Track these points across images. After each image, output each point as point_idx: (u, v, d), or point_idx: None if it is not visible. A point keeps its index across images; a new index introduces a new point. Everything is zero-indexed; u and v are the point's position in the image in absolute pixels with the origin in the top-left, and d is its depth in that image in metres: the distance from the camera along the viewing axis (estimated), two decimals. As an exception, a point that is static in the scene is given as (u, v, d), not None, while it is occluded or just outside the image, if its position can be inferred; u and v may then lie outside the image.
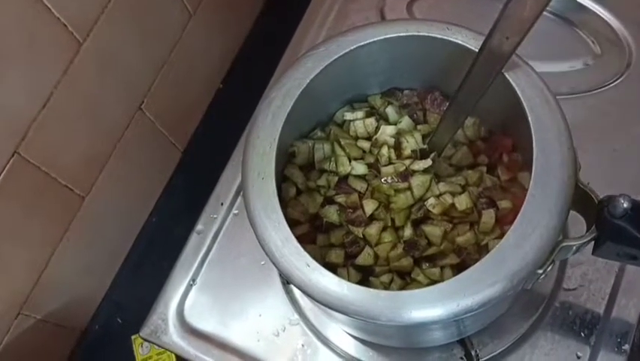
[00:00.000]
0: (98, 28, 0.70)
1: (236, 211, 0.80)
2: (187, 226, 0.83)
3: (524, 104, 0.54)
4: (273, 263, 0.54)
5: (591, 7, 0.83)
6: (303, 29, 0.89)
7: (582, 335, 0.69)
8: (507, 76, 0.55)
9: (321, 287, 0.52)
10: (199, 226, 0.80)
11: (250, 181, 0.56)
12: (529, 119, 0.53)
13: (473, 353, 0.68)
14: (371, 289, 0.52)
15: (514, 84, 0.55)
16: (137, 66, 0.80)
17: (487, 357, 0.69)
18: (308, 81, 0.59)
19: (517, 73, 0.56)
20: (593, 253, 0.56)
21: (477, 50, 0.54)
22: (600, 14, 0.82)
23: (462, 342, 0.69)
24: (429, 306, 0.50)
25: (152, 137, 0.87)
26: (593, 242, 0.54)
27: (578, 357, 0.68)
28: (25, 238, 0.72)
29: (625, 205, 0.50)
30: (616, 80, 0.79)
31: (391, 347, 0.71)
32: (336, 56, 0.60)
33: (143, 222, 0.91)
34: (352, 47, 0.60)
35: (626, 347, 0.68)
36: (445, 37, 0.58)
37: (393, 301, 0.51)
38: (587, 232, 0.54)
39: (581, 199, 0.54)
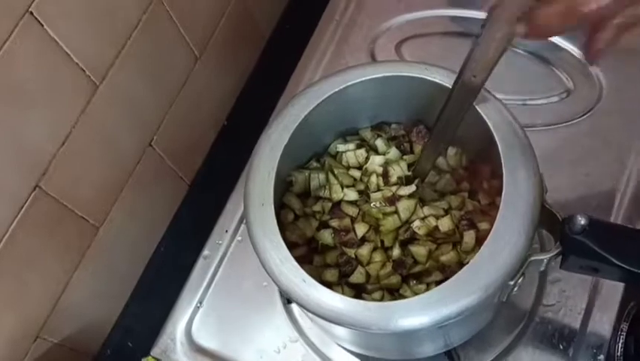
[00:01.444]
0: (112, 71, 0.73)
1: (239, 238, 0.84)
2: (192, 254, 0.86)
3: (495, 135, 0.60)
4: (274, 280, 0.58)
5: (565, 47, 0.87)
6: (301, 69, 0.93)
7: (561, 347, 0.73)
8: (479, 110, 0.61)
9: (316, 301, 0.57)
10: (205, 252, 0.83)
11: (252, 208, 0.61)
12: (499, 148, 0.59)
13: (460, 364, 0.72)
14: (361, 301, 0.56)
15: (485, 117, 0.61)
16: (148, 106, 0.83)
17: (472, 367, 0.72)
18: (303, 116, 0.64)
19: (489, 107, 0.62)
20: (560, 267, 0.60)
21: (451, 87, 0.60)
22: (573, 53, 0.87)
23: (449, 355, 0.73)
24: (414, 315, 0.55)
25: (161, 171, 0.90)
26: (560, 257, 0.59)
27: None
28: (44, 266, 0.74)
29: (582, 222, 0.55)
30: (588, 112, 0.83)
31: (384, 360, 0.75)
32: (328, 94, 0.65)
33: (152, 251, 0.93)
34: (342, 86, 0.66)
35: (601, 357, 0.71)
36: (424, 77, 0.64)
37: (381, 311, 0.55)
38: (553, 247, 0.59)
39: (548, 218, 0.59)
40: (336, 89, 0.65)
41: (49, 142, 0.69)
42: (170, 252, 0.94)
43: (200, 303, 0.82)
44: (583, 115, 0.84)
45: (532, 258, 0.58)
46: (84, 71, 0.69)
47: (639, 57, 0.83)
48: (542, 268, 0.60)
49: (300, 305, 0.58)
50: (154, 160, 0.87)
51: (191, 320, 0.81)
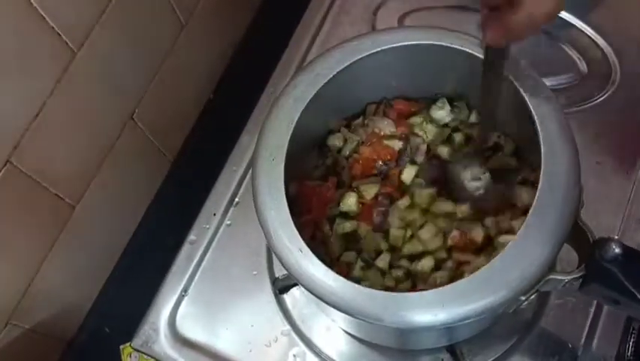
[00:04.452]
0: (91, 38, 0.70)
1: (228, 222, 0.80)
2: (176, 235, 0.82)
3: (540, 134, 0.55)
4: (269, 244, 0.55)
5: (578, 25, 0.84)
6: (296, 41, 0.89)
7: (570, 346, 0.70)
8: (530, 106, 0.57)
9: (310, 275, 0.54)
10: (191, 237, 0.80)
11: (261, 160, 0.58)
12: (542, 149, 0.55)
13: (464, 364, 0.68)
14: (355, 285, 0.53)
15: (534, 113, 0.56)
16: (130, 76, 0.79)
17: (478, 368, 0.70)
18: (335, 73, 0.60)
19: (540, 103, 0.57)
20: (578, 290, 0.56)
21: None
22: (587, 32, 0.84)
23: (452, 351, 0.69)
24: (407, 311, 0.52)
25: (142, 146, 0.87)
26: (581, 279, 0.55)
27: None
28: (15, 247, 0.71)
29: (617, 250, 0.51)
30: (601, 96, 0.81)
31: (381, 356, 0.72)
32: (365, 54, 0.61)
33: (133, 232, 0.91)
34: (386, 47, 0.61)
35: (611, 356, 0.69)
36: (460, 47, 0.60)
37: (373, 300, 0.52)
38: (577, 268, 0.55)
39: (577, 236, 0.55)
40: (375, 50, 0.61)
41: (21, 113, 0.66)
42: (151, 233, 0.91)
43: (185, 291, 0.78)
44: (596, 99, 0.81)
45: (552, 276, 0.54)
46: (60, 36, 0.65)
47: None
48: (559, 288, 0.56)
49: (291, 274, 0.54)
50: (135, 134, 0.84)
51: (175, 309, 0.77)
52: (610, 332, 0.70)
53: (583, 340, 0.70)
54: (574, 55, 0.84)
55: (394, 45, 0.61)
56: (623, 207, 0.75)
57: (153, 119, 0.86)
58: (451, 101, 0.69)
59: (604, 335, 0.70)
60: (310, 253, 0.54)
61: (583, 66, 0.83)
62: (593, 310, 0.71)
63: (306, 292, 0.55)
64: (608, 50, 0.83)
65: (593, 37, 0.84)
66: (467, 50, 0.60)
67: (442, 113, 0.68)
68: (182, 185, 0.92)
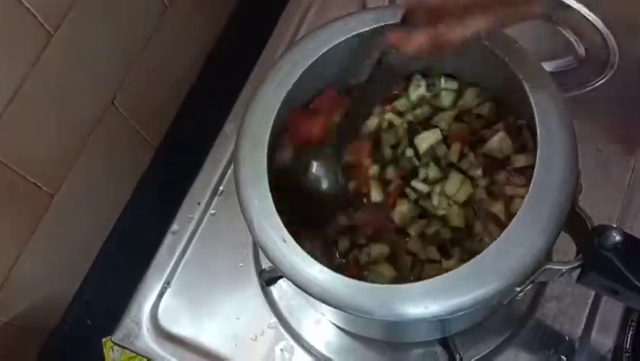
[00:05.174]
0: (69, 19, 0.67)
1: (213, 211, 0.78)
2: (159, 225, 0.80)
3: (536, 117, 0.53)
4: (251, 234, 0.53)
5: (576, 7, 0.82)
6: (284, 23, 0.87)
7: (567, 338, 0.68)
8: (527, 89, 0.55)
9: (294, 266, 0.52)
10: (174, 226, 0.78)
11: (242, 149, 0.56)
12: (538, 132, 0.53)
13: (458, 357, 0.66)
14: (342, 277, 0.51)
15: (530, 95, 0.54)
16: (110, 59, 0.77)
17: (471, 361, 0.68)
18: (322, 53, 0.58)
19: (538, 87, 0.55)
20: (576, 281, 0.55)
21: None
22: (585, 14, 0.82)
23: (445, 345, 0.67)
24: (397, 303, 0.50)
25: (124, 133, 0.85)
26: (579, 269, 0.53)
27: (561, 360, 0.68)
28: None
29: (617, 238, 0.49)
30: (599, 80, 0.79)
31: (371, 349, 0.70)
32: (355, 32, 0.59)
33: (115, 221, 0.89)
34: (371, 27, 0.59)
35: (609, 349, 0.67)
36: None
37: (361, 293, 0.50)
38: (574, 258, 0.52)
39: (575, 224, 0.53)
40: (365, 29, 0.58)
41: (-6, 98, 0.64)
42: (135, 222, 0.89)
43: (168, 283, 0.76)
44: (594, 83, 0.79)
45: (548, 266, 0.51)
46: (36, 17, 0.64)
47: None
48: (556, 279, 0.54)
49: (275, 265, 0.53)
50: (116, 120, 0.82)
51: (158, 302, 0.75)
52: (608, 325, 0.69)
53: (580, 333, 0.69)
54: (572, 38, 0.82)
55: (382, 24, 0.58)
56: (622, 194, 0.73)
57: (135, 105, 0.84)
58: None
59: (602, 327, 0.69)
60: (294, 243, 0.52)
61: (581, 50, 0.81)
62: (590, 302, 0.69)
63: (293, 285, 0.52)
64: (606, 32, 0.81)
65: (591, 19, 0.82)
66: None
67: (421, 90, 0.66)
68: (166, 172, 0.90)
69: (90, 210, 0.84)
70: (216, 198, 0.79)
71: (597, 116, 0.77)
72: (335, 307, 0.51)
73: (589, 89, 0.79)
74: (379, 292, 0.51)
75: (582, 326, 0.69)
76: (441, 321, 0.58)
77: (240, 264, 0.75)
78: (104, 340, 0.82)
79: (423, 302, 0.49)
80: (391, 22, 0.58)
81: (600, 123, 0.76)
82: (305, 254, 0.52)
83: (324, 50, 0.58)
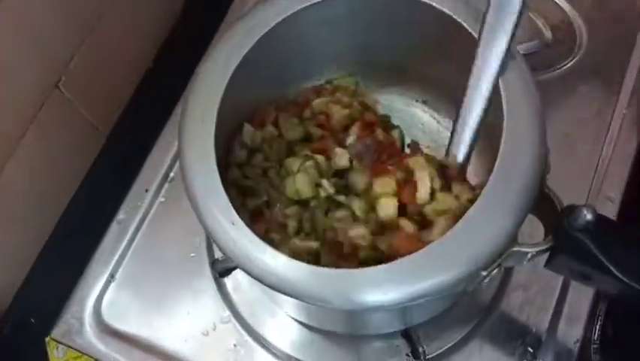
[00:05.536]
0: None
1: (162, 199, 0.75)
2: (110, 216, 0.77)
3: (502, 92, 0.51)
4: (197, 215, 0.50)
5: None
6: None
7: (533, 329, 0.66)
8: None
9: (243, 250, 0.48)
10: (120, 215, 0.75)
11: (188, 122, 0.53)
12: (504, 103, 0.50)
13: (420, 349, 0.63)
14: (297, 262, 0.48)
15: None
16: (55, 38, 0.73)
17: (434, 354, 0.65)
18: (275, 23, 0.55)
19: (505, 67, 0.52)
20: (545, 266, 0.52)
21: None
22: None
23: (408, 337, 0.65)
24: (355, 289, 0.47)
25: (71, 118, 0.80)
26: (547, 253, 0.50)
27: (528, 351, 0.65)
28: None
29: (588, 217, 0.46)
30: (566, 64, 0.78)
31: (332, 343, 0.67)
32: (314, 1, 0.55)
33: (61, 213, 0.84)
34: None
35: (576, 340, 0.65)
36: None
37: (315, 277, 0.47)
38: (543, 240, 0.50)
39: (543, 205, 0.50)
40: None
41: None
42: (83, 214, 0.84)
43: (113, 276, 0.72)
44: (561, 66, 0.78)
45: (515, 248, 0.49)
46: None
47: (621, 5, 0.78)
48: (524, 263, 0.51)
49: (224, 253, 0.49)
50: (61, 105, 0.77)
51: (102, 295, 0.71)
52: (576, 315, 0.67)
53: (547, 323, 0.67)
54: (538, 21, 0.80)
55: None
56: (590, 179, 0.71)
57: (83, 89, 0.79)
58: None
59: (569, 318, 0.67)
60: (244, 225, 0.48)
61: (547, 32, 0.80)
62: (558, 291, 0.67)
63: (245, 273, 0.49)
64: (573, 14, 0.80)
65: (558, 1, 0.81)
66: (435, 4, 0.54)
67: None
68: (118, 162, 0.85)
69: (33, 201, 0.79)
70: (166, 185, 0.75)
71: (565, 99, 0.75)
72: (289, 295, 0.48)
73: (557, 72, 0.77)
74: (336, 277, 0.47)
75: (549, 317, 0.67)
76: (402, 310, 0.55)
77: (192, 254, 0.71)
78: (47, 339, 0.77)
79: (382, 288, 0.46)
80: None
81: (565, 108, 0.75)
82: (256, 238, 0.48)
83: (281, 18, 0.54)
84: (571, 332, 0.66)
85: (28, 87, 0.71)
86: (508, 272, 0.68)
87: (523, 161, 0.48)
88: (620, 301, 0.60)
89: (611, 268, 0.46)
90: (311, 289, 0.47)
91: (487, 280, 0.50)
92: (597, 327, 0.65)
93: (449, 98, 0.65)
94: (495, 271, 0.49)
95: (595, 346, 0.65)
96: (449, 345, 0.65)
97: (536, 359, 0.65)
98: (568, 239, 0.47)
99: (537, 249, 0.49)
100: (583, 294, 0.67)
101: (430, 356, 0.65)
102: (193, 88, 0.54)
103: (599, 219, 0.46)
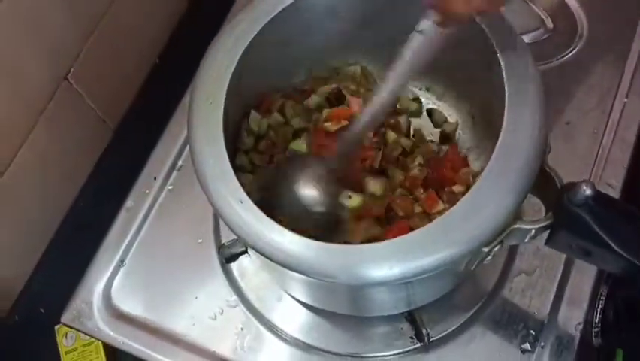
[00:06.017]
0: None
1: (170, 187, 0.75)
2: (118, 207, 0.77)
3: (504, 74, 0.51)
4: (206, 195, 0.51)
5: None
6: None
7: (535, 313, 0.66)
8: (489, 36, 0.53)
9: (251, 228, 0.49)
10: (129, 203, 0.75)
11: (197, 103, 0.53)
12: (505, 82, 0.51)
13: (424, 332, 0.64)
14: (303, 238, 0.48)
15: (496, 47, 0.52)
16: (63, 31, 0.74)
17: (438, 337, 0.66)
18: (281, 8, 0.55)
19: (500, 34, 0.53)
20: (545, 243, 0.53)
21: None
22: None
23: (412, 320, 0.65)
24: (361, 264, 0.47)
25: (80, 110, 0.81)
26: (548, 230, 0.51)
27: (530, 334, 0.66)
28: None
29: (587, 193, 0.46)
30: (567, 53, 0.78)
31: (338, 327, 0.67)
32: None
33: (70, 204, 0.85)
34: None
35: (579, 323, 0.65)
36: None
37: (322, 252, 0.48)
38: (544, 217, 0.50)
39: (543, 184, 0.51)
40: None
41: None
42: (90, 204, 0.86)
43: (122, 262, 0.73)
44: (562, 56, 0.78)
45: (517, 225, 0.49)
46: None
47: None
48: (526, 241, 0.52)
49: (233, 230, 0.50)
50: (71, 97, 0.79)
51: (111, 280, 0.72)
52: (577, 299, 0.67)
53: (549, 308, 0.67)
54: (539, 10, 0.81)
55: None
56: (591, 167, 0.72)
57: (92, 82, 0.80)
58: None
59: (571, 301, 0.67)
60: (252, 204, 0.49)
61: (549, 21, 0.80)
62: (559, 275, 0.68)
63: (253, 255, 0.50)
64: (573, 4, 0.80)
65: (559, -9, 0.81)
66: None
67: None
68: (125, 155, 0.86)
69: (43, 191, 0.80)
70: (174, 173, 0.76)
71: (566, 88, 0.76)
72: (295, 271, 0.48)
73: (558, 61, 0.77)
74: (341, 253, 0.48)
75: (551, 300, 0.67)
76: (406, 290, 0.56)
77: (199, 240, 0.72)
78: (56, 327, 0.78)
79: (387, 263, 0.47)
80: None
81: (567, 97, 0.75)
82: (264, 215, 0.49)
83: (285, 5, 0.55)
84: (572, 316, 0.66)
85: (41, 79, 0.73)
86: (511, 257, 0.68)
87: (524, 140, 0.49)
88: (622, 279, 0.60)
89: (611, 243, 0.46)
90: (317, 265, 0.48)
91: (489, 257, 0.50)
92: (598, 310, 0.65)
93: (449, 83, 0.67)
94: (497, 249, 0.49)
95: (596, 329, 0.65)
96: (452, 328, 0.66)
97: (538, 342, 0.65)
98: (568, 215, 0.47)
99: (538, 226, 0.50)
100: (584, 277, 0.67)
101: (433, 339, 0.65)
102: (201, 73, 0.55)
103: (599, 194, 0.47)
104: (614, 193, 0.71)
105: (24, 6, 0.66)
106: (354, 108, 0.64)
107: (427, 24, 0.48)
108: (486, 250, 0.49)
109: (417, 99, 0.69)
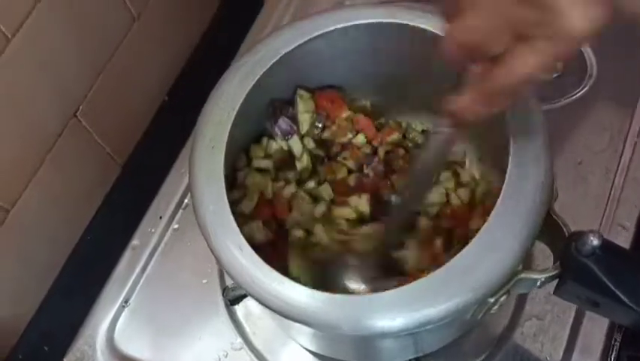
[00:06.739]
0: (29, 22, 0.65)
1: (176, 226, 0.76)
2: (124, 245, 0.77)
3: (508, 120, 0.51)
4: (206, 241, 0.50)
5: None
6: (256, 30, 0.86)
7: (548, 359, 0.65)
8: None
9: (252, 276, 0.48)
10: (134, 241, 0.76)
11: (199, 147, 0.53)
12: (510, 130, 0.50)
13: (432, 380, 0.62)
14: (305, 289, 0.48)
15: None
16: (73, 69, 0.74)
17: (447, 385, 0.65)
18: (284, 52, 0.56)
19: None
20: (554, 293, 0.52)
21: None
22: None
23: (419, 364, 0.64)
24: (363, 315, 0.47)
25: (88, 148, 0.81)
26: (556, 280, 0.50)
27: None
28: None
29: (594, 243, 0.45)
30: (577, 92, 0.78)
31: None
32: (319, 32, 0.57)
33: (77, 241, 0.84)
34: (338, 26, 0.57)
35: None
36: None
37: (323, 302, 0.47)
38: (552, 267, 0.49)
39: (551, 230, 0.50)
40: (330, 28, 0.56)
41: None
42: (97, 242, 0.85)
43: (126, 302, 0.73)
44: (571, 96, 0.78)
45: (523, 275, 0.48)
46: None
47: (632, 36, 0.78)
48: (530, 290, 0.51)
49: (233, 278, 0.49)
50: (79, 134, 0.79)
51: (115, 321, 0.72)
52: (590, 345, 0.66)
53: (561, 354, 0.66)
54: (548, 50, 0.80)
55: (349, 24, 0.56)
56: (603, 208, 0.71)
57: (100, 120, 0.80)
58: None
59: (584, 348, 0.66)
60: (252, 251, 0.48)
61: (558, 62, 0.79)
62: (571, 321, 0.67)
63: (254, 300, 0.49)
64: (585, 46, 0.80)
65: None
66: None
67: None
68: (133, 192, 0.86)
69: (49, 228, 0.80)
70: (180, 212, 0.76)
71: (577, 128, 0.75)
72: (296, 321, 0.48)
73: (568, 101, 0.77)
74: (343, 303, 0.47)
75: (564, 347, 0.66)
76: (413, 337, 0.55)
77: (204, 280, 0.72)
78: (59, 366, 0.77)
79: (390, 314, 0.46)
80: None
81: (578, 136, 0.75)
82: (263, 263, 0.48)
83: (294, 46, 0.56)
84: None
85: (51, 117, 0.73)
86: (521, 302, 0.67)
87: (529, 186, 0.48)
88: (633, 331, 0.59)
89: (620, 294, 0.45)
90: (317, 315, 0.47)
91: (496, 307, 0.49)
92: (612, 358, 0.64)
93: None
94: (504, 298, 0.49)
95: (610, 378, 0.64)
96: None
97: (550, 391, 0.64)
98: (575, 265, 0.47)
99: (545, 275, 0.49)
100: (597, 325, 0.66)
101: (442, 387, 0.64)
102: (204, 116, 0.55)
103: (606, 244, 0.46)
104: (627, 234, 0.70)
105: (37, 45, 0.66)
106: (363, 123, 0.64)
107: (442, 127, 0.48)
108: (492, 299, 0.48)
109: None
